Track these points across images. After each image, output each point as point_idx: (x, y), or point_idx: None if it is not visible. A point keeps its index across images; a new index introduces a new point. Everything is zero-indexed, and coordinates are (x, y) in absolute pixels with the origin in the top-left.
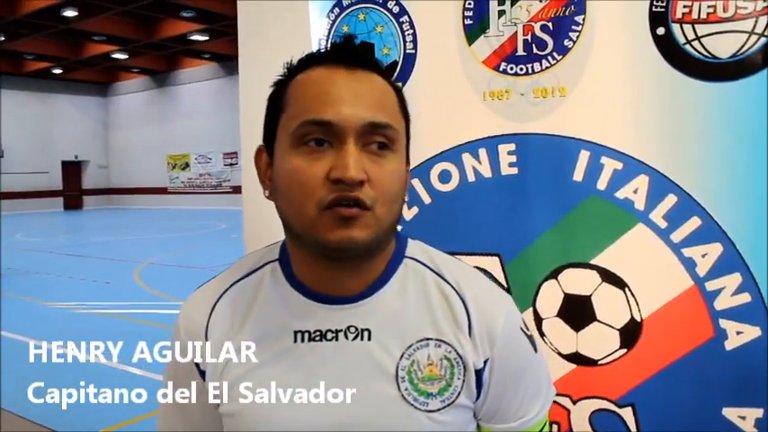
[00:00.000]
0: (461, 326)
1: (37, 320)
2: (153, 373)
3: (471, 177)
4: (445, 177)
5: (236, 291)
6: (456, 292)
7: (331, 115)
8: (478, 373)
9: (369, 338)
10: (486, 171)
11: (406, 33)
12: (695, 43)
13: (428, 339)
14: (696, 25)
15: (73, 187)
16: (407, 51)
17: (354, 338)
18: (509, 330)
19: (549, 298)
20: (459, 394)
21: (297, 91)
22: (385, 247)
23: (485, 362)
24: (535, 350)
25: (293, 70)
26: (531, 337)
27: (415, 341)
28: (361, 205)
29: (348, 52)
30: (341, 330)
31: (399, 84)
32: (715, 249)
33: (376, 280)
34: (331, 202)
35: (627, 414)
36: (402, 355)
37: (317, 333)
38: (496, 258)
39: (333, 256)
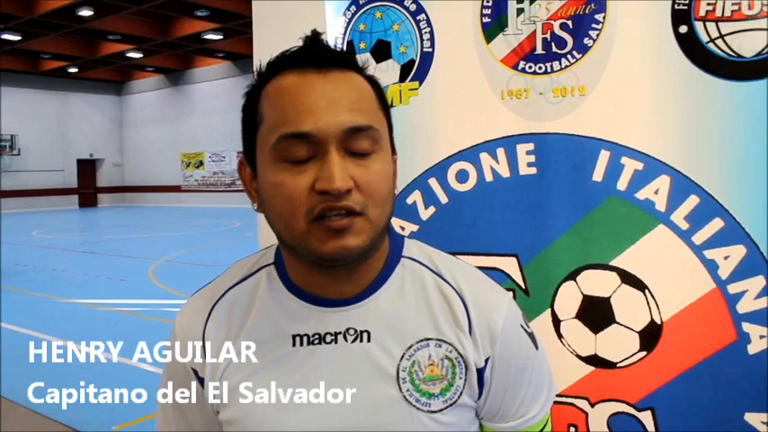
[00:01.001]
0: (461, 325)
1: (52, 317)
2: None
3: (489, 177)
4: (463, 177)
5: (233, 296)
6: (455, 290)
7: (309, 126)
8: (480, 372)
9: (368, 340)
10: (504, 171)
11: (424, 31)
12: (719, 41)
13: (428, 339)
14: (720, 23)
15: (88, 185)
16: (425, 50)
17: (354, 340)
18: (509, 328)
19: (568, 299)
20: (461, 394)
21: (270, 101)
22: (380, 246)
23: (486, 360)
24: (536, 347)
25: (264, 77)
26: (531, 335)
27: (416, 341)
28: (351, 212)
29: (318, 52)
30: (340, 333)
31: (377, 77)
32: (738, 251)
33: (373, 281)
34: (320, 213)
35: (646, 418)
36: (402, 356)
37: (316, 336)
38: (514, 259)
39: (328, 265)
